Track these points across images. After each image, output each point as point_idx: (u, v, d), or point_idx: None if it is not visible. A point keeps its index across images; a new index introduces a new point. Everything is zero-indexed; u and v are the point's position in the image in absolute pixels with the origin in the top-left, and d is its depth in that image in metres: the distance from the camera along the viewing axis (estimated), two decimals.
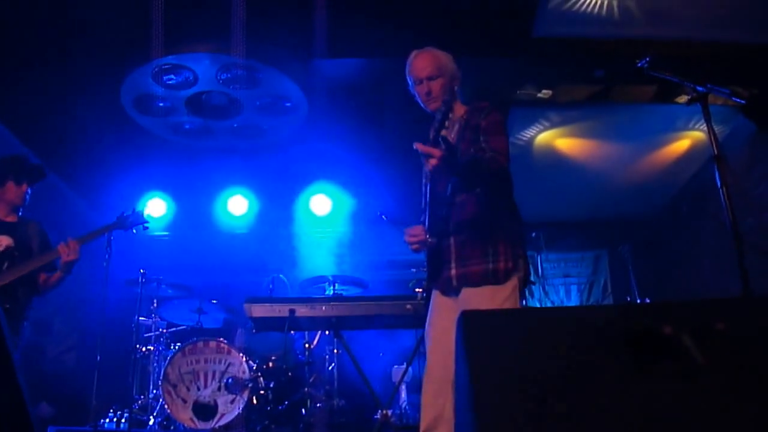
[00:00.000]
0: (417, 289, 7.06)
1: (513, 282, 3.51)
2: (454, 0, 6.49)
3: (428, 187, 3.61)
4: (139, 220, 5.56)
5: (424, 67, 3.84)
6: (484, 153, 3.59)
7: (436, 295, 3.75)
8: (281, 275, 7.84)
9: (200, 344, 6.74)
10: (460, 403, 2.00)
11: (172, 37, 6.27)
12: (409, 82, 3.94)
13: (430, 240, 3.58)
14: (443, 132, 3.48)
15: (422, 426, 3.52)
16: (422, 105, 3.90)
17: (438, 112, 3.43)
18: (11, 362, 1.91)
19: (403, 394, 7.25)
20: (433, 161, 3.26)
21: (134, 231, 5.60)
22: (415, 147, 3.32)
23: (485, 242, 3.54)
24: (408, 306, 5.75)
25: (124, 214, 5.50)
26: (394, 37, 6.08)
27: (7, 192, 5.15)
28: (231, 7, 5.95)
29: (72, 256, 4.99)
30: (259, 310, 5.76)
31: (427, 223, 3.59)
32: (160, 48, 6.29)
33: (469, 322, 1.91)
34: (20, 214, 5.28)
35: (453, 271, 3.58)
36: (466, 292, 3.53)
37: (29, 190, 5.27)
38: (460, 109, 3.91)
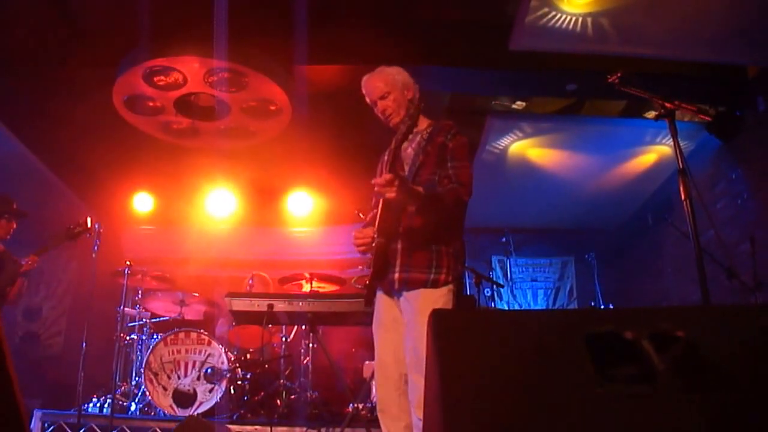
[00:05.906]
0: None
1: (449, 287, 3.63)
2: (435, 11, 6.72)
3: None
4: (83, 230, 6.19)
5: (374, 88, 3.86)
6: (448, 182, 3.64)
7: (380, 295, 3.80)
8: (261, 272, 7.99)
9: (182, 335, 6.93)
10: (429, 397, 2.08)
11: (163, 40, 6.50)
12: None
13: (377, 240, 3.62)
14: (404, 145, 3.67)
15: None
16: (386, 124, 3.91)
17: (402, 125, 3.55)
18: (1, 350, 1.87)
19: (374, 389, 7.43)
20: (391, 195, 3.30)
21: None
22: (372, 183, 3.38)
23: (430, 254, 3.62)
24: None
25: (70, 227, 6.20)
26: (373, 45, 6.22)
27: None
28: (218, 14, 6.13)
29: (33, 266, 6.10)
30: (239, 304, 5.89)
31: (377, 223, 3.64)
32: (153, 50, 6.50)
33: (439, 322, 1.99)
34: None
35: (396, 275, 3.64)
36: (406, 294, 3.62)
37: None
38: (423, 122, 3.90)
